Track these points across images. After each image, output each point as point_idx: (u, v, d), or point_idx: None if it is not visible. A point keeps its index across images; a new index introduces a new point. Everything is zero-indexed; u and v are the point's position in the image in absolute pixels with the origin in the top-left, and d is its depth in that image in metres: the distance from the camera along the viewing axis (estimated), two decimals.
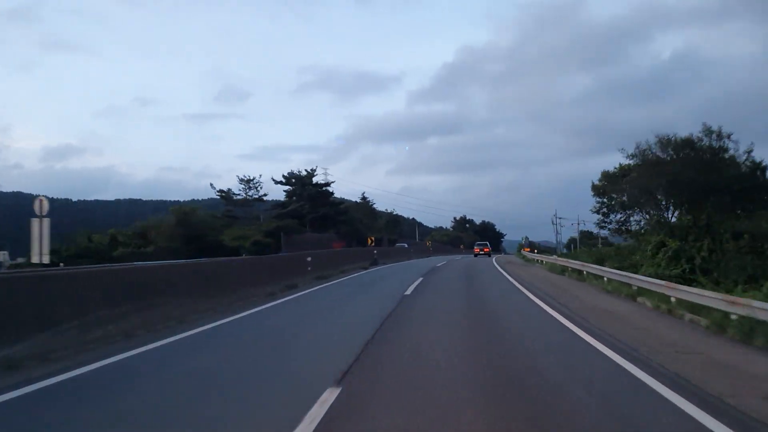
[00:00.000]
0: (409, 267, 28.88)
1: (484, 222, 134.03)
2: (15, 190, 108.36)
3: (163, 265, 16.31)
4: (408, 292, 14.26)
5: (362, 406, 4.52)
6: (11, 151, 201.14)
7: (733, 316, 7.99)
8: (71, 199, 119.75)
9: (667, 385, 5.05)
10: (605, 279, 15.70)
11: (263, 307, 11.75)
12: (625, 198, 23.71)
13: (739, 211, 18.94)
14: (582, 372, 5.78)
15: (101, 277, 8.81)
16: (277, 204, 63.07)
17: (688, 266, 15.81)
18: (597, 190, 25.59)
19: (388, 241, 69.88)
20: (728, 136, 18.59)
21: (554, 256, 33.51)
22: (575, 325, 8.86)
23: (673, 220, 21.17)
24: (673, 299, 10.52)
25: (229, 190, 57.14)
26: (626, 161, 23.45)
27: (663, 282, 11.56)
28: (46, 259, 14.22)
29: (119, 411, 4.50)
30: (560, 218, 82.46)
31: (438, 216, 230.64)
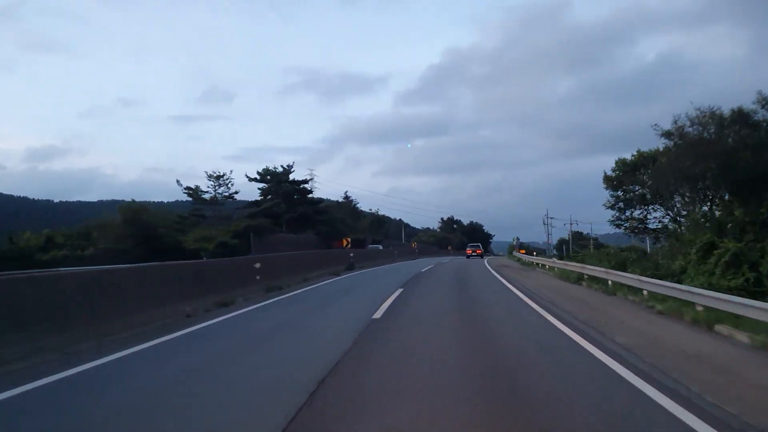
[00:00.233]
0: (390, 272, 24.71)
1: (472, 223, 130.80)
2: None
3: None
4: (377, 315, 10.08)
5: None
6: None
7: None
8: (53, 200, 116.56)
9: None
10: (644, 292, 11.68)
11: (139, 347, 7.46)
12: (645, 190, 19.83)
13: None
14: None
15: None
16: (252, 203, 58.53)
17: (752, 275, 11.84)
18: (610, 182, 21.65)
19: (372, 242, 65.80)
20: None
21: (553, 259, 29.69)
22: (668, 396, 4.73)
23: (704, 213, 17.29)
24: None
25: (197, 187, 52.44)
26: (644, 151, 19.58)
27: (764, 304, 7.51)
28: None
29: None
30: (551, 218, 78.97)
31: (425, 217, 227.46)
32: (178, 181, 51.50)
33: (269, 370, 6.08)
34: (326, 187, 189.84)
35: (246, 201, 59.74)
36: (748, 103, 15.05)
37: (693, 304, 9.34)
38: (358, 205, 79.90)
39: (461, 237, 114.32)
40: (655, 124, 17.24)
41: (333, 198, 77.18)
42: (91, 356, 6.72)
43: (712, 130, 15.06)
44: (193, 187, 52.72)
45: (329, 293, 14.88)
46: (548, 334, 8.00)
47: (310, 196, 58.68)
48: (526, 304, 11.45)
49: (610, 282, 14.12)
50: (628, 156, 20.66)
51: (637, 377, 5.34)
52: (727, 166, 13.92)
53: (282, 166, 57.59)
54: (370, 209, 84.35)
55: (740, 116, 14.67)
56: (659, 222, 20.88)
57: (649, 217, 21.03)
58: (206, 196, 52.90)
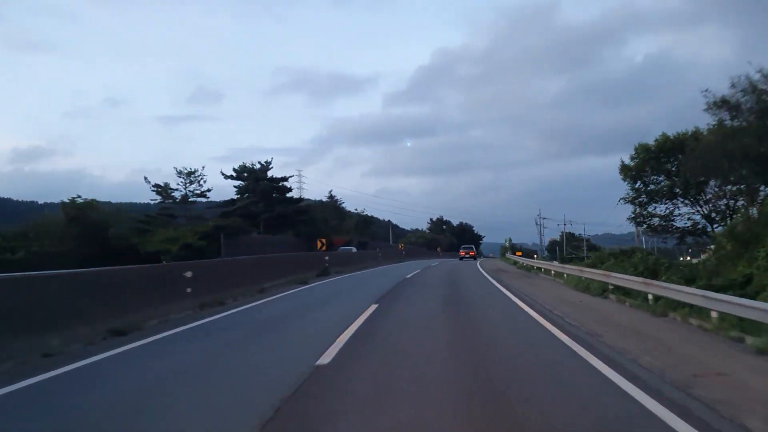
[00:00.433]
0: (370, 279, 21.13)
1: (461, 223, 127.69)
2: None
3: None
4: (326, 358, 6.44)
5: None
6: None
7: None
8: (37, 202, 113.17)
9: None
10: (712, 314, 8.21)
11: None
12: (673, 180, 16.48)
13: None
14: None
15: None
16: (228, 202, 54.53)
17: None
18: (628, 173, 18.24)
19: (358, 244, 62.23)
20: None
21: (554, 262, 26.37)
22: None
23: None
24: None
25: (167, 184, 48.38)
26: (674, 133, 16.18)
27: None
28: None
29: None
30: (544, 218, 76.02)
31: (415, 218, 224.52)
32: (145, 178, 47.24)
33: None
34: (315, 188, 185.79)
35: (222, 200, 55.80)
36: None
37: None
38: (343, 205, 76.29)
39: (450, 238, 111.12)
40: (706, 90, 13.85)
41: (322, 199, 73.63)
42: None
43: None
44: (162, 184, 48.77)
45: (278, 313, 11.21)
46: (616, 409, 4.45)
47: (290, 194, 54.85)
48: (556, 337, 7.84)
49: (650, 296, 10.65)
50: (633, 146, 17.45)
51: None
52: None
53: (260, 163, 53.71)
54: (356, 209, 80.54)
55: None
56: (688, 219, 17.56)
57: (675, 213, 17.71)
58: (177, 194, 49.01)
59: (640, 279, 11.13)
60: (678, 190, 16.53)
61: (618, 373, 5.49)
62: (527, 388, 4.98)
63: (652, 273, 14.06)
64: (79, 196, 28.47)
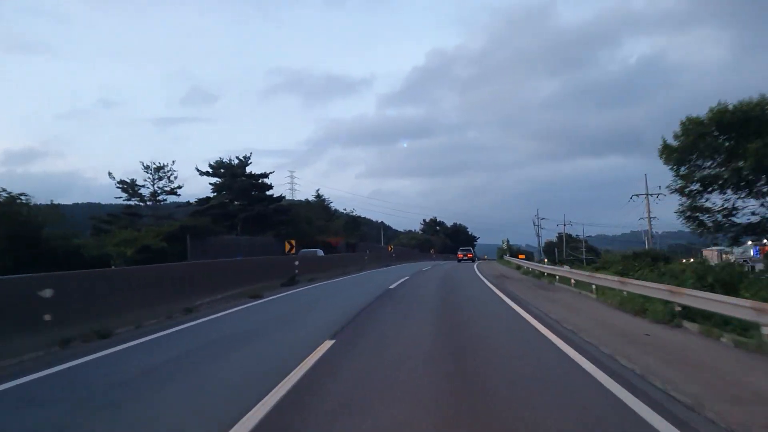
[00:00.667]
0: (342, 291, 16.96)
1: (455, 224, 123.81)
2: None
3: None
4: None
5: None
6: None
7: None
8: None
9: None
10: None
11: None
12: (739, 164, 12.48)
13: None
14: None
15: None
16: (203, 200, 50.09)
17: None
18: (672, 155, 14.17)
19: (346, 246, 58.09)
20: None
21: (565, 267, 22.36)
22: None
23: None
24: None
25: (133, 181, 43.87)
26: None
27: None
28: None
29: None
30: (543, 218, 72.31)
31: (409, 219, 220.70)
32: (110, 174, 42.67)
33: None
34: (309, 189, 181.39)
35: (182, 203, 51.26)
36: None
37: None
38: (332, 205, 72.08)
39: (444, 239, 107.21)
40: None
41: (308, 199, 69.51)
42: None
43: None
44: (128, 180, 44.23)
45: (162, 361, 6.97)
46: None
47: (270, 192, 50.51)
48: None
49: (766, 330, 6.56)
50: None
51: None
52: None
53: (238, 158, 49.38)
54: (345, 209, 76.33)
55: None
56: (753, 214, 13.54)
57: (737, 206, 13.68)
58: (146, 192, 44.50)
59: (748, 303, 7.00)
60: (747, 175, 12.44)
61: None
62: None
63: (729, 287, 10.01)
64: (4, 190, 24.02)
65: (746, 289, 9.64)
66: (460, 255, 58.96)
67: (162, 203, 45.23)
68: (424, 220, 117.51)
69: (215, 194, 49.74)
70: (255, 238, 43.84)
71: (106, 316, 9.01)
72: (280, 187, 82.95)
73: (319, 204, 68.81)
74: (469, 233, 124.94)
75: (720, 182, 13.29)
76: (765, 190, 12.92)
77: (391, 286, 17.47)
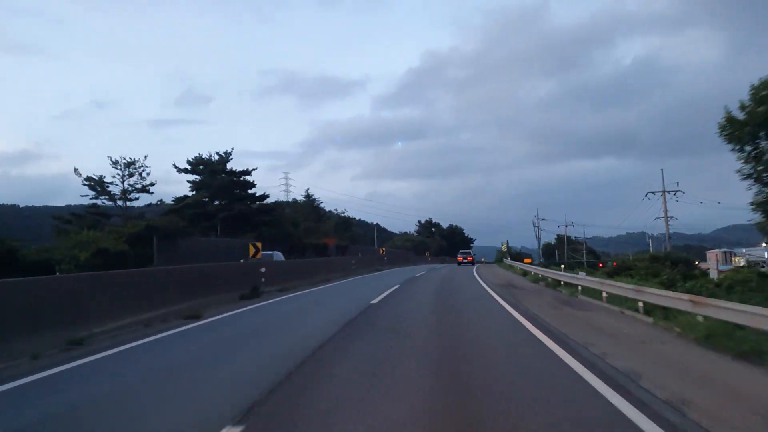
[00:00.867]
0: (314, 307, 13.48)
1: (451, 226, 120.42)
2: None
3: None
4: None
5: None
6: None
7: None
8: (18, 205, 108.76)
9: None
10: None
11: None
12: None
13: None
14: None
15: None
16: (179, 199, 46.40)
17: None
18: (738, 132, 10.84)
19: (336, 249, 54.57)
20: None
21: (588, 277, 19.06)
22: None
23: None
24: None
25: (101, 177, 40.10)
26: None
27: None
28: None
29: None
30: (543, 219, 69.08)
31: (404, 221, 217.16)
32: (75, 170, 38.73)
33: None
34: (304, 191, 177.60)
35: (176, 197, 47.63)
36: None
37: None
38: (322, 205, 68.58)
39: (440, 241, 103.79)
40: None
41: (296, 198, 66.08)
42: None
43: None
44: (95, 177, 40.42)
45: None
46: None
47: (252, 191, 46.90)
48: None
49: None
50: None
51: None
52: None
53: (218, 153, 45.81)
54: (335, 210, 72.85)
55: None
56: None
57: None
58: (116, 189, 40.75)
59: None
60: None
61: None
62: None
63: None
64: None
65: None
66: (459, 258, 58.98)
67: (134, 202, 41.60)
68: (419, 222, 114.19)
69: (194, 193, 46.14)
70: (234, 240, 40.26)
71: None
72: (274, 189, 79.56)
73: (308, 204, 65.38)
74: (466, 235, 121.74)
75: None
76: None
77: (374, 300, 13.96)
